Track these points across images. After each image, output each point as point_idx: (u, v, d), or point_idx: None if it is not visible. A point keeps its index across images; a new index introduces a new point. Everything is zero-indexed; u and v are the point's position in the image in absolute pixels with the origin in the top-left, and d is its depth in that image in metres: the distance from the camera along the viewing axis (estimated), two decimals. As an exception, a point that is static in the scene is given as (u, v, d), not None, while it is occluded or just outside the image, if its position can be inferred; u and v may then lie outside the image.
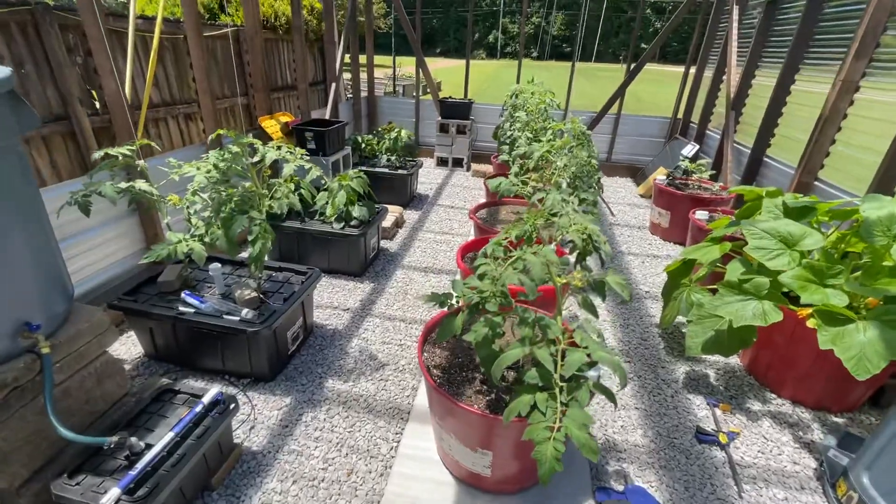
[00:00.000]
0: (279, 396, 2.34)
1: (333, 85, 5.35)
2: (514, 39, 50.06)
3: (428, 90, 6.61)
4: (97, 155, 2.04)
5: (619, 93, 6.17)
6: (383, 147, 4.94)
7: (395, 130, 4.93)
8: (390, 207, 4.57)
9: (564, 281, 1.58)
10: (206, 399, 1.78)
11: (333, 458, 2.02)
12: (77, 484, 1.48)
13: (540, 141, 3.27)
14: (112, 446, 1.53)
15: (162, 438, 1.60)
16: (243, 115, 6.46)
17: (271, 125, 4.01)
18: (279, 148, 2.14)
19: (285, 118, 4.22)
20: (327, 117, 5.26)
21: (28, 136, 3.97)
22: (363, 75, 6.73)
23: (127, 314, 2.31)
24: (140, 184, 2.06)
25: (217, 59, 5.17)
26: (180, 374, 2.44)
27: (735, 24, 4.87)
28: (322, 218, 3.46)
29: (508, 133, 3.82)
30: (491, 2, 49.71)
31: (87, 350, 1.75)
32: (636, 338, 2.99)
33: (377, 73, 6.77)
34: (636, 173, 6.57)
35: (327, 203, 3.37)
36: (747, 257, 2.41)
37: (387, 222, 4.20)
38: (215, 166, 1.92)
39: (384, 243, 4.15)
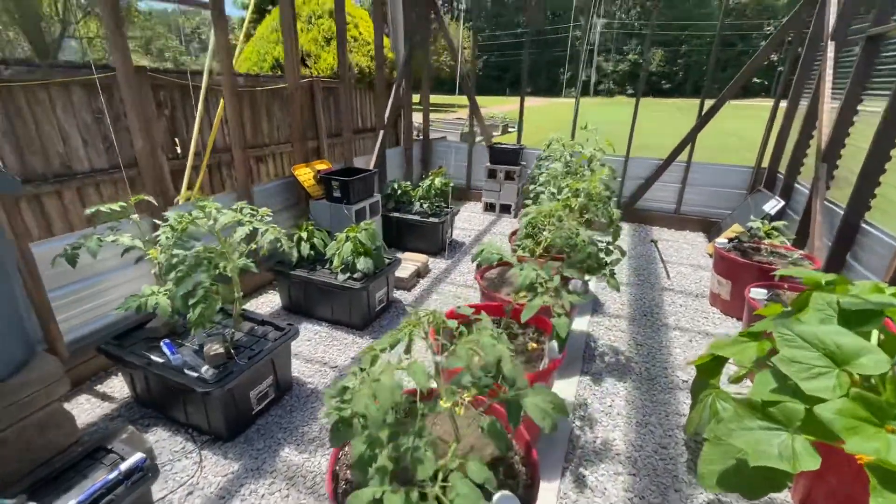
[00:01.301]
0: (230, 460, 2.27)
1: (381, 133, 5.53)
2: (608, 77, 49.02)
3: (481, 132, 6.55)
4: (88, 211, 2.23)
5: (690, 138, 5.54)
6: (417, 194, 4.92)
7: (430, 177, 4.89)
8: (414, 256, 4.48)
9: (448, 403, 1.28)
10: (124, 466, 1.75)
11: (254, 546, 1.87)
12: (-28, 543, 1.51)
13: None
14: (9, 510, 1.55)
15: (62, 506, 1.59)
16: (313, 156, 6.93)
17: (304, 173, 4.20)
18: (242, 210, 2.16)
19: (320, 166, 4.40)
20: (372, 164, 5.42)
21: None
22: (416, 119, 6.90)
23: (109, 358, 2.44)
24: (124, 238, 2.20)
25: (287, 109, 5.67)
26: (154, 422, 2.50)
27: (830, 64, 4.11)
28: (330, 268, 3.46)
29: (531, 187, 3.55)
30: (584, 41, 49.49)
31: (33, 400, 1.83)
32: (653, 442, 2.45)
33: (460, 113, 6.87)
34: (710, 228, 5.76)
35: (335, 253, 3.37)
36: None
37: (405, 272, 4.10)
38: (171, 227, 1.98)
39: (401, 294, 4.04)
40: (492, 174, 6.22)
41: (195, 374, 2.23)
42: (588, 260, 2.69)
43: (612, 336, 3.47)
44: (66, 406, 2.58)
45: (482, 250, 2.28)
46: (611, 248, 2.79)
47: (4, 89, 3.87)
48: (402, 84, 6.03)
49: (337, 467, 1.64)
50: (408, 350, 1.27)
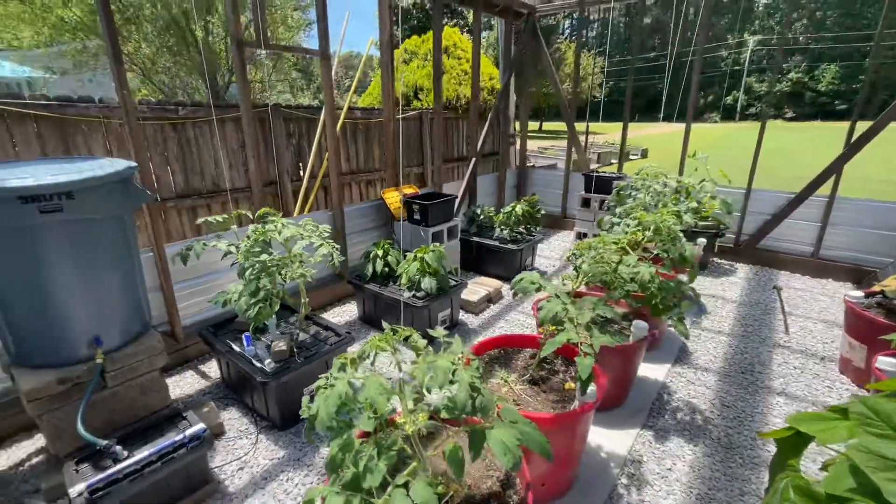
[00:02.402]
0: (279, 447, 2.54)
1: (472, 160, 5.73)
2: (762, 99, 43.06)
3: (578, 160, 6.35)
4: (199, 221, 2.77)
5: (833, 170, 4.62)
6: (499, 219, 4.96)
7: (513, 204, 4.89)
8: (489, 281, 4.49)
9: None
10: (186, 434, 2.11)
11: (278, 528, 2.06)
12: (77, 470, 1.95)
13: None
14: (103, 449, 1.98)
15: (138, 454, 1.97)
16: (417, 181, 7.48)
17: (392, 197, 4.56)
18: (305, 226, 2.47)
19: (407, 190, 4.73)
20: (460, 190, 5.63)
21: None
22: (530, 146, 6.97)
23: (205, 342, 2.94)
24: (221, 244, 2.68)
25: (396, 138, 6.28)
26: (231, 403, 2.93)
27: None
28: (399, 285, 3.68)
29: (605, 218, 3.34)
30: (733, 61, 44.50)
31: (137, 366, 2.32)
32: (714, 524, 2.07)
33: (592, 139, 6.77)
34: (862, 278, 4.66)
35: (404, 271, 3.59)
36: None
37: (474, 296, 4.14)
38: (248, 237, 2.36)
39: (467, 318, 4.08)
40: (586, 203, 5.95)
41: (259, 365, 2.57)
42: (657, 300, 2.43)
43: (692, 391, 3.03)
44: (175, 378, 3.17)
45: (521, 279, 2.23)
46: (684, 288, 2.48)
47: (180, 125, 4.99)
48: (498, 113, 6.19)
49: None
50: (373, 362, 1.33)
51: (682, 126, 5.45)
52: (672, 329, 3.22)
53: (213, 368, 3.30)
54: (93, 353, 2.16)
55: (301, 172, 6.47)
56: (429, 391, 1.45)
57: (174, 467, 2.01)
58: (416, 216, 4.29)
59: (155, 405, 2.43)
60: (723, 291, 4.57)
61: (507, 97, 6.31)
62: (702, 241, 4.07)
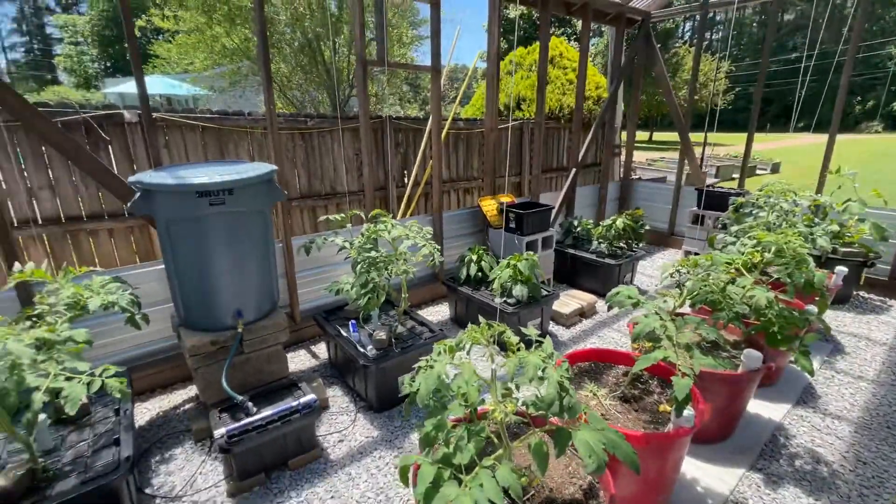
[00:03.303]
0: (374, 428, 2.79)
1: (573, 171, 5.64)
2: (942, 104, 35.20)
3: (692, 172, 5.89)
4: (321, 219, 3.16)
5: None
6: (597, 233, 4.81)
7: (613, 218, 4.71)
8: (582, 295, 4.39)
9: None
10: (300, 401, 2.43)
11: (369, 499, 2.27)
12: (219, 418, 2.37)
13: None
14: (239, 403, 2.37)
15: (264, 412, 2.33)
16: (513, 190, 7.56)
17: (489, 204, 4.70)
18: (410, 227, 2.69)
19: (504, 198, 4.83)
20: (558, 201, 5.57)
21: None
22: (642, 156, 6.68)
23: (318, 325, 3.33)
24: (338, 240, 3.04)
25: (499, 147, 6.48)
26: (336, 382, 3.27)
27: None
28: (490, 290, 3.78)
29: (719, 236, 3.09)
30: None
31: (266, 338, 2.73)
32: (833, 588, 1.82)
33: (696, 152, 6.37)
34: None
35: (496, 277, 3.69)
36: None
37: (566, 308, 4.08)
38: (363, 234, 2.64)
39: (557, 329, 4.04)
40: (697, 220, 5.49)
41: (362, 351, 2.86)
42: (775, 328, 2.21)
43: (818, 438, 2.66)
44: (291, 354, 3.63)
45: (617, 292, 2.19)
46: (810, 319, 2.22)
47: (308, 134, 5.68)
48: (604, 123, 6.01)
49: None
50: (468, 352, 1.43)
51: (822, 137, 4.78)
52: (794, 365, 2.86)
53: (322, 350, 3.71)
54: (235, 324, 2.60)
55: (406, 179, 6.95)
56: (517, 388, 1.53)
57: (289, 428, 2.34)
58: (512, 224, 4.36)
59: (276, 374, 2.83)
60: (868, 331, 3.90)
61: (614, 106, 6.10)
62: (842, 269, 3.53)
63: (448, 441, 1.40)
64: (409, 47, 12.31)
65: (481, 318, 1.57)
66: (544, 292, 3.71)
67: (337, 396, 3.09)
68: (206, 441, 2.65)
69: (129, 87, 12.73)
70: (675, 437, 1.88)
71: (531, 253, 3.71)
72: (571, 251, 4.84)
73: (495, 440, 1.47)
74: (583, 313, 4.22)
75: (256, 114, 5.36)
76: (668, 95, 5.91)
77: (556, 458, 1.69)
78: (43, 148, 4.07)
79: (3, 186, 3.98)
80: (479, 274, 3.95)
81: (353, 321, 3.21)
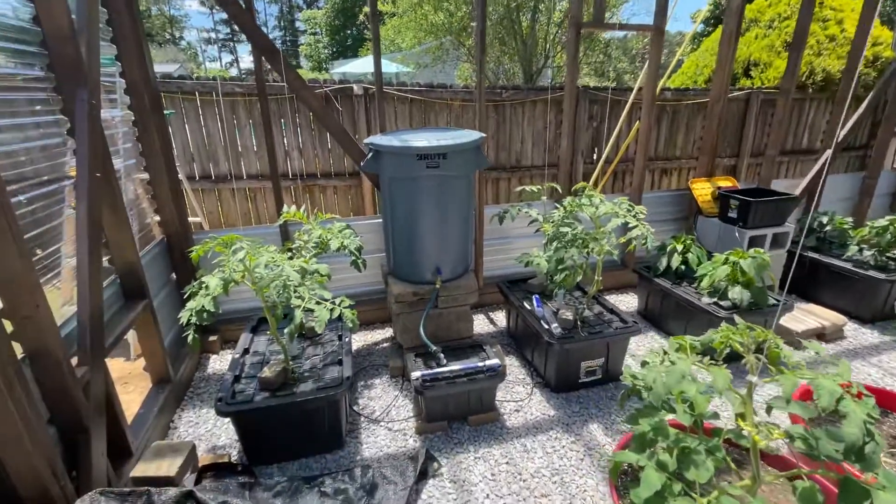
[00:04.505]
0: (550, 406, 2.72)
1: (826, 153, 4.39)
2: None
3: None
4: (517, 189, 3.11)
5: None
6: (859, 235, 3.67)
7: (890, 218, 3.51)
8: (823, 312, 3.45)
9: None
10: (486, 363, 2.50)
11: (544, 477, 2.23)
12: (415, 361, 2.61)
13: None
14: (433, 352, 2.56)
15: (452, 366, 2.47)
16: (725, 174, 6.45)
17: (702, 188, 4.00)
18: (620, 205, 2.41)
19: (723, 182, 4.05)
20: (799, 189, 4.44)
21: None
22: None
23: (501, 294, 3.37)
24: (532, 212, 2.97)
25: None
26: (512, 351, 3.29)
27: None
28: (696, 287, 3.26)
29: None
30: None
31: (458, 298, 2.87)
32: None
33: None
34: None
35: (707, 274, 3.16)
36: None
37: (799, 325, 3.26)
38: (564, 208, 2.49)
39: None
40: None
41: (546, 327, 2.78)
42: None
43: None
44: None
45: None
46: None
47: (500, 105, 5.72)
48: (883, 93, 4.48)
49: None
50: (720, 356, 1.17)
51: None
52: None
53: (499, 318, 3.78)
54: (434, 280, 2.79)
55: (594, 155, 6.48)
56: (768, 411, 1.23)
57: (474, 386, 2.43)
58: (732, 213, 3.64)
59: (463, 333, 2.98)
60: None
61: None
62: None
63: (682, 449, 1.21)
64: (614, 8, 11.29)
65: (738, 318, 1.29)
66: (772, 300, 3.01)
67: (513, 367, 3.11)
68: (399, 378, 2.97)
69: (350, 67, 14.89)
70: None
71: (760, 250, 3.03)
72: (812, 255, 3.82)
73: (731, 465, 1.21)
74: (822, 335, 3.32)
75: (456, 87, 5.61)
76: None
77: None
78: (297, 118, 5.02)
79: (285, 149, 5.10)
80: (683, 267, 3.43)
81: (537, 296, 3.15)
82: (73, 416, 1.71)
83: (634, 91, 4.66)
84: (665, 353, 1.23)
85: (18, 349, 1.54)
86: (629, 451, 1.21)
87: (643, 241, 2.39)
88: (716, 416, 1.31)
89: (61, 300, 2.44)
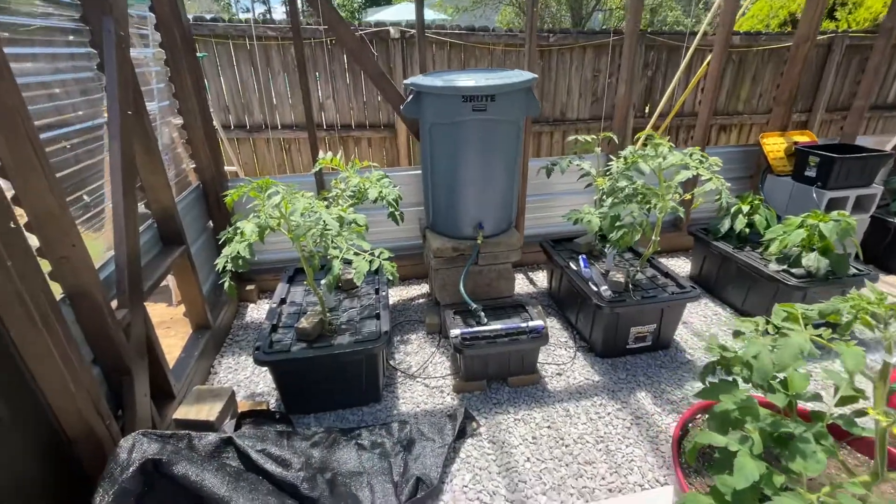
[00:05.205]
0: (594, 372, 2.58)
1: (926, 104, 3.82)
2: None
3: None
4: (570, 139, 2.84)
5: None
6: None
7: None
8: (907, 284, 3.08)
9: None
10: (529, 324, 2.35)
11: (588, 443, 2.12)
12: (454, 318, 2.49)
13: None
14: (473, 310, 2.44)
15: (493, 325, 2.35)
16: (797, 129, 5.85)
17: (773, 143, 3.57)
18: (691, 155, 2.12)
19: (800, 137, 3.60)
20: (890, 145, 3.93)
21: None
22: None
23: (544, 253, 3.18)
24: (585, 164, 2.71)
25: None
26: (553, 313, 3.14)
27: None
28: (761, 252, 2.96)
29: None
30: None
31: (499, 255, 2.70)
32: None
33: None
34: None
35: (777, 238, 2.85)
36: None
37: (877, 297, 2.93)
38: (624, 158, 2.22)
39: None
40: None
41: (595, 289, 2.59)
42: None
43: None
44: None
45: None
46: None
47: (546, 51, 5.26)
48: None
49: (682, 436, 1.56)
50: (844, 330, 0.97)
51: None
52: None
53: (539, 278, 3.61)
54: (475, 235, 2.62)
55: (646, 109, 5.96)
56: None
57: (515, 347, 2.31)
58: (810, 172, 3.24)
59: (503, 291, 2.83)
60: None
61: None
62: None
63: (764, 431, 1.04)
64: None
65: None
66: (853, 270, 2.69)
67: (554, 329, 2.97)
68: (436, 335, 2.89)
69: (381, 15, 14.26)
70: None
71: (844, 213, 2.68)
72: (901, 222, 3.40)
73: (838, 455, 1.04)
74: (904, 309, 2.98)
75: (498, 30, 5.18)
76: None
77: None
78: (331, 66, 4.79)
79: (319, 100, 4.92)
80: (748, 230, 3.12)
81: (584, 256, 2.94)
82: (115, 357, 1.70)
83: (699, 34, 4.14)
84: (767, 322, 1.04)
85: (57, 290, 1.51)
86: (713, 433, 1.05)
87: (717, 197, 2.11)
88: (817, 397, 1.12)
89: (104, 244, 2.44)
